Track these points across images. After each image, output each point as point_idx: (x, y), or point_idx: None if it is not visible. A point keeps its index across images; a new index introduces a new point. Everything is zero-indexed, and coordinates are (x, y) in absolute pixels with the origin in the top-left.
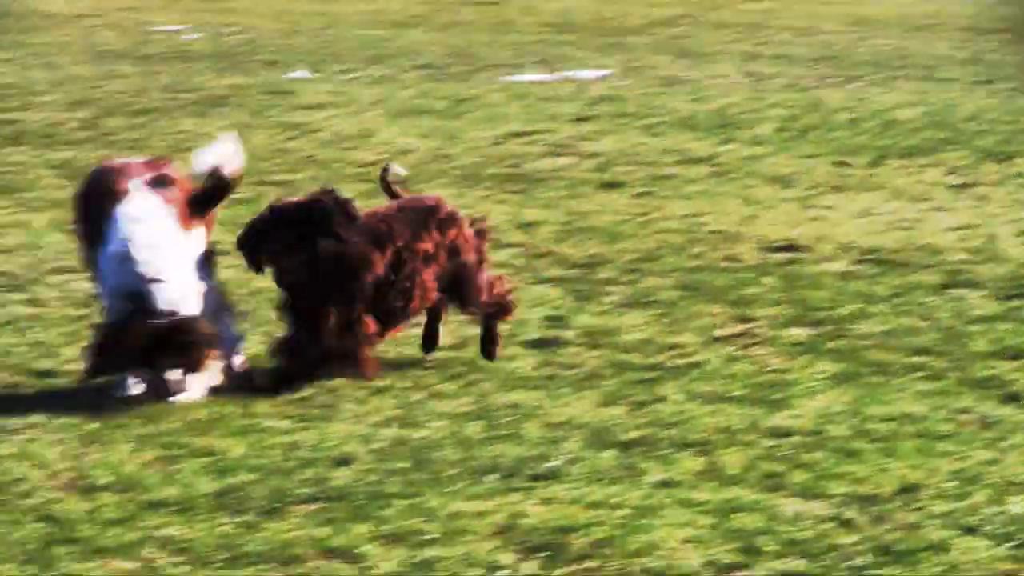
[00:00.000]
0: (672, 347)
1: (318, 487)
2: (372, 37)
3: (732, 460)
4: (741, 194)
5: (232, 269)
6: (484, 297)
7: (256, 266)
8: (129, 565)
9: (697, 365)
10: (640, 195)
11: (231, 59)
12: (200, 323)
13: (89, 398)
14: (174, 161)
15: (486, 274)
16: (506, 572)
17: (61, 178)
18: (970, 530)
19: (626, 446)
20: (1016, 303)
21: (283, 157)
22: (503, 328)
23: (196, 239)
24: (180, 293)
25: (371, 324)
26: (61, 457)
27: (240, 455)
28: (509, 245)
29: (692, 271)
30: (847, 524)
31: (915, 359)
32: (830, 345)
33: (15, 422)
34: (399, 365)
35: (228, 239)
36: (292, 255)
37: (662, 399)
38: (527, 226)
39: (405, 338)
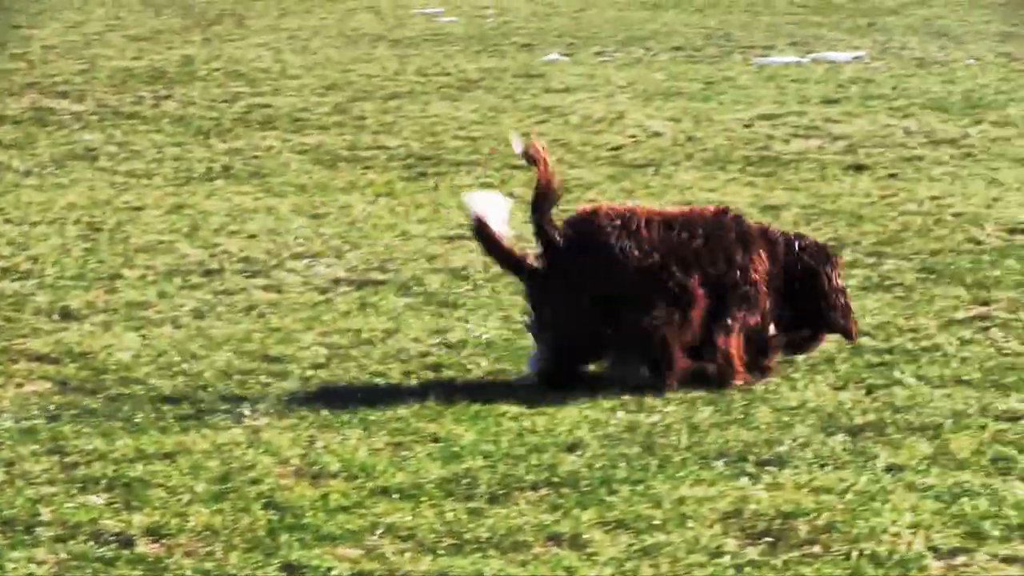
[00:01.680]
0: (909, 330)
1: (546, 473)
2: (627, 19)
3: (961, 444)
4: (987, 176)
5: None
6: None
7: None
8: (354, 552)
9: (933, 348)
10: (886, 177)
11: (486, 42)
12: None
13: (322, 385)
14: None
15: None
16: (729, 557)
17: (308, 163)
18: None
19: (856, 430)
20: None
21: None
22: None
23: None
24: None
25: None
26: (291, 444)
27: (470, 441)
28: None
29: (934, 254)
30: None
31: None
32: None
33: (247, 409)
34: None
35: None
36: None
37: (895, 383)
38: (772, 208)
39: None
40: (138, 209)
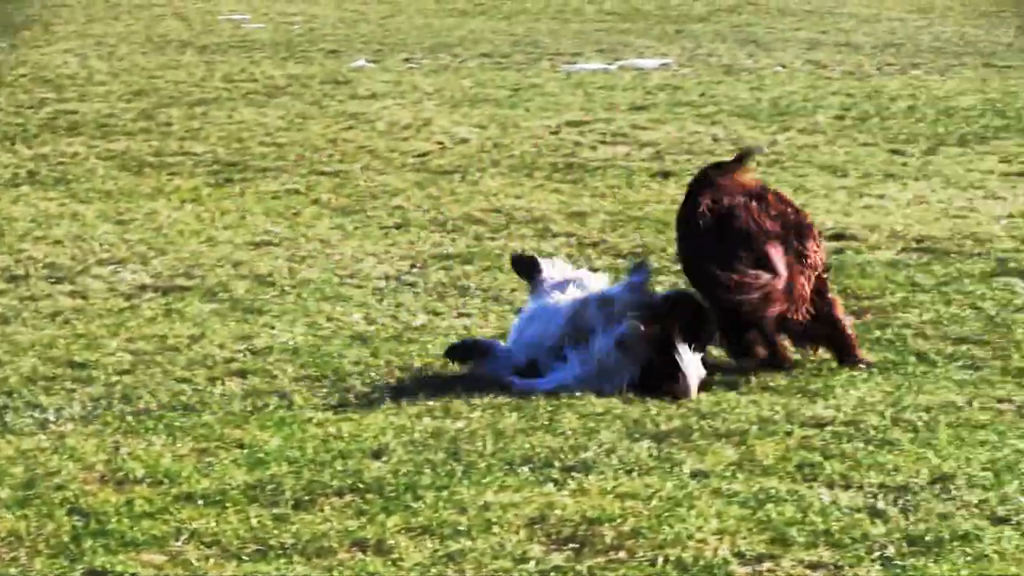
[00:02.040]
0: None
1: (352, 479)
2: (434, 26)
3: (767, 450)
4: (795, 183)
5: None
6: None
7: None
8: (159, 558)
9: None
10: None
11: (292, 48)
12: None
13: (127, 391)
14: None
15: None
16: (534, 563)
17: (114, 169)
18: (1001, 520)
19: (662, 437)
20: None
21: (339, 147)
22: None
23: None
24: None
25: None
26: (96, 450)
27: (275, 447)
28: (560, 234)
29: None
30: (878, 514)
31: (957, 348)
32: (874, 334)
33: (52, 415)
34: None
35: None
36: None
37: (701, 388)
38: (579, 215)
39: (441, 329)
40: None
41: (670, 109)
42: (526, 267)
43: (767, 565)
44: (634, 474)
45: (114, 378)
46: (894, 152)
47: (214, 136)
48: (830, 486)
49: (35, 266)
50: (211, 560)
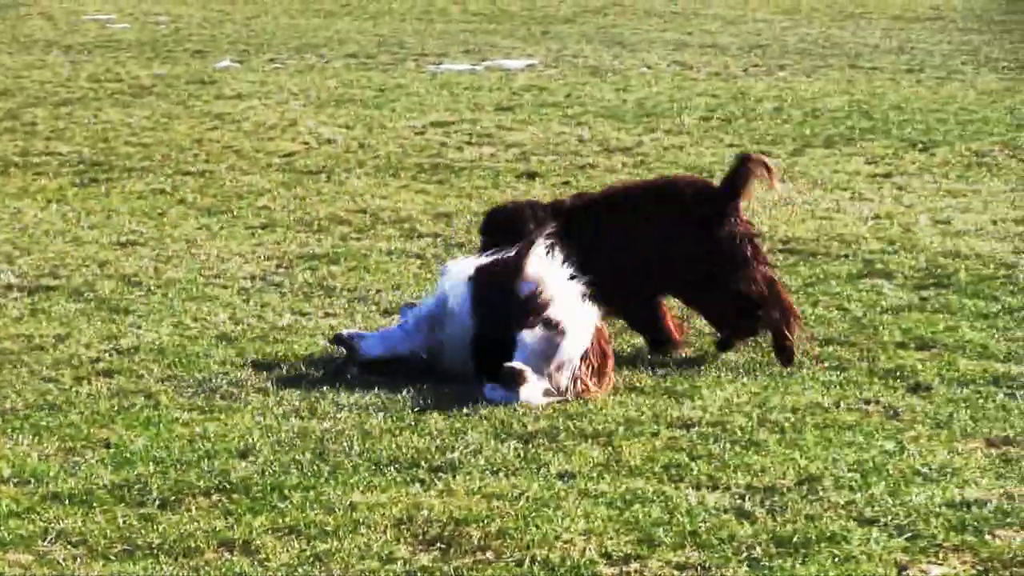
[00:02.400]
0: None
1: (218, 479)
2: (300, 26)
3: (634, 451)
4: None
5: None
6: None
7: None
8: (25, 557)
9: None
10: (559, 184)
11: (158, 48)
12: None
13: None
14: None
15: None
16: (401, 563)
17: None
18: (868, 521)
19: (528, 437)
20: (928, 293)
21: (205, 147)
22: None
23: None
24: None
25: None
26: None
27: (141, 447)
28: (426, 235)
29: None
30: (745, 515)
31: (823, 349)
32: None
33: None
34: (310, 355)
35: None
36: None
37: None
38: (445, 216)
39: (307, 329)
40: None
41: (536, 110)
42: None
43: (634, 566)
44: (501, 474)
45: None
46: (760, 153)
47: (79, 136)
48: (697, 487)
49: None
50: (78, 560)
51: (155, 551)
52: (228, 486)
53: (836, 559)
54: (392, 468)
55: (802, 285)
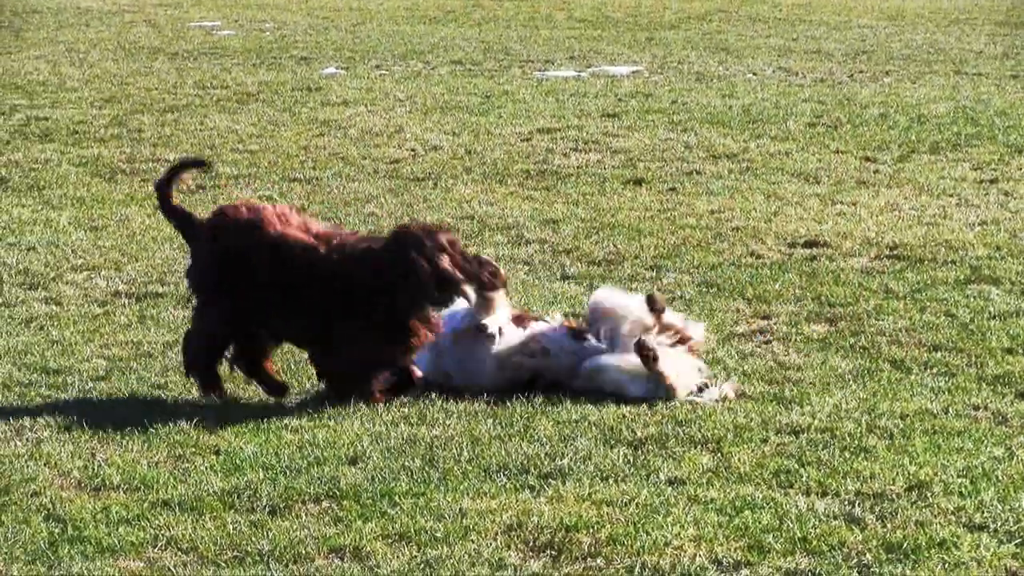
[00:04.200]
0: None
1: (328, 486)
2: (405, 33)
3: (743, 457)
4: (767, 190)
5: None
6: None
7: None
8: (136, 564)
9: (714, 362)
10: (665, 191)
11: (264, 55)
12: None
13: (102, 397)
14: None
15: None
16: (511, 570)
17: (87, 175)
18: (978, 528)
19: (638, 444)
20: None
21: (311, 154)
22: None
23: None
24: None
25: None
26: (72, 456)
27: (251, 453)
28: (533, 241)
29: (713, 267)
30: (855, 521)
31: (932, 355)
32: (848, 342)
33: (27, 421)
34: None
35: None
36: None
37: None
38: (552, 222)
39: None
40: None
41: (642, 116)
42: None
43: (744, 572)
44: (610, 481)
45: (89, 384)
46: (866, 159)
47: (186, 142)
48: (806, 493)
49: (9, 272)
50: (188, 567)
51: (265, 558)
52: (338, 492)
53: (946, 565)
54: (502, 474)
55: (909, 291)
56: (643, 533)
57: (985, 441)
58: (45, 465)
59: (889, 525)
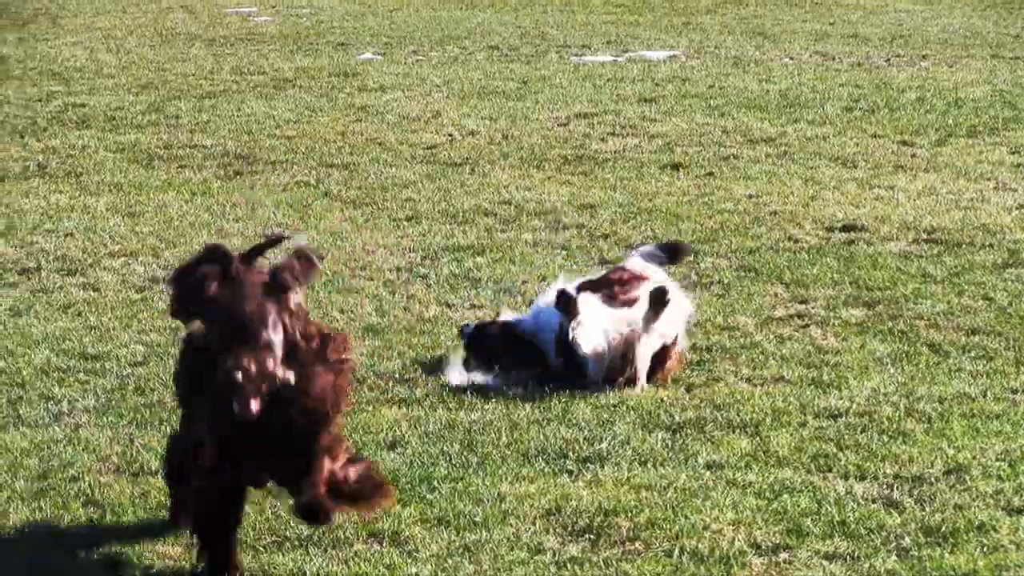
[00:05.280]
0: (728, 328)
1: None
2: (442, 18)
3: (781, 441)
4: (804, 175)
5: None
6: None
7: None
8: (175, 549)
9: (752, 346)
10: (703, 176)
11: (300, 41)
12: None
13: (141, 382)
14: None
15: None
16: (551, 554)
17: (124, 162)
18: (1016, 511)
19: (676, 428)
20: None
21: (349, 139)
22: None
23: None
24: None
25: None
26: (110, 441)
27: None
28: (571, 226)
29: (751, 252)
30: (894, 505)
31: (970, 339)
32: (886, 325)
33: (66, 407)
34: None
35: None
36: None
37: (715, 380)
38: (589, 207)
39: (454, 321)
40: None
41: (679, 101)
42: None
43: (783, 556)
44: (649, 465)
45: (127, 370)
46: (904, 143)
47: (223, 129)
48: (845, 477)
49: (46, 259)
50: None
51: (304, 543)
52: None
53: (985, 548)
54: (540, 459)
55: (947, 275)
56: (681, 517)
57: (1023, 424)
58: (84, 450)
59: (927, 509)
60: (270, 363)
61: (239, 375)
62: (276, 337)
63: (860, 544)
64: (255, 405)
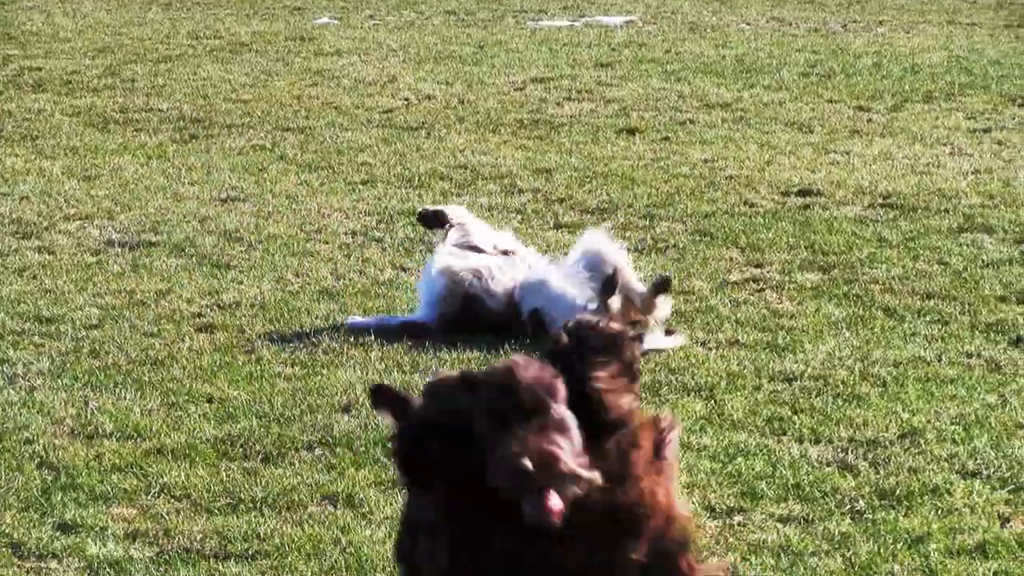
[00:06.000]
0: (683, 292)
1: (321, 433)
2: None
3: (736, 405)
4: (760, 139)
5: None
6: None
7: None
8: (129, 511)
9: (707, 310)
10: (659, 140)
11: (256, 5)
12: None
13: (95, 345)
14: None
15: None
16: None
17: (80, 125)
18: (971, 474)
19: None
20: None
21: (304, 103)
22: None
23: None
24: None
25: None
26: (65, 404)
27: (244, 402)
28: (526, 190)
29: (707, 216)
30: (848, 468)
31: (925, 303)
32: (841, 290)
33: (20, 369)
34: (412, 311)
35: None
36: None
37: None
38: (545, 171)
39: (409, 284)
40: None
41: (635, 66)
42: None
43: (738, 519)
44: None
45: (82, 332)
46: (860, 109)
47: (179, 92)
48: (800, 440)
49: (1, 222)
50: (181, 513)
51: (258, 505)
52: (331, 440)
53: (939, 511)
54: None
55: (902, 240)
56: None
57: (978, 388)
58: (38, 413)
59: (882, 472)
60: (567, 448)
61: (526, 462)
62: (570, 415)
63: (814, 507)
64: (557, 503)
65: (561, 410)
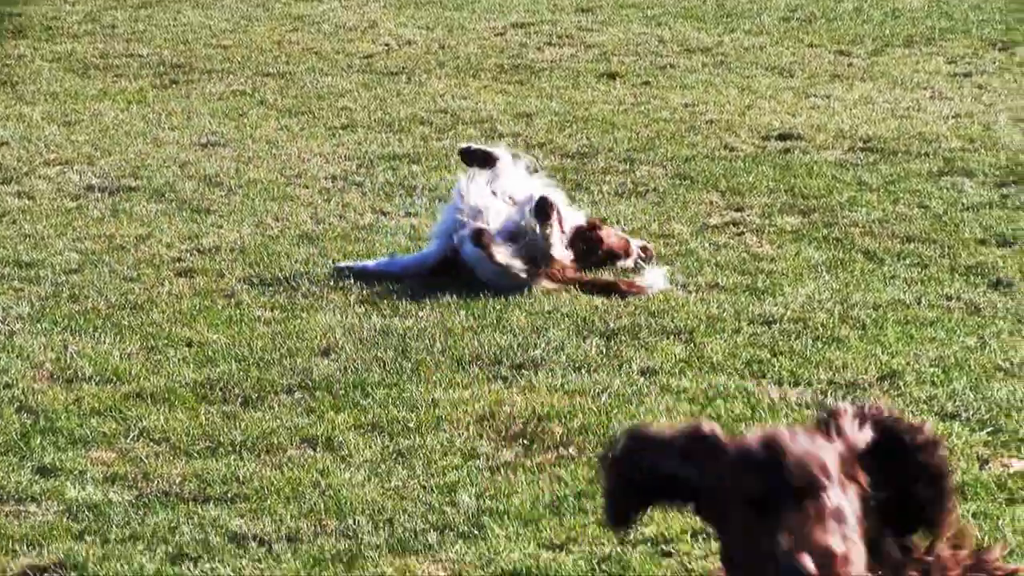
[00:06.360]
0: (663, 235)
1: (300, 377)
2: None
3: (715, 347)
4: (741, 84)
5: None
6: None
7: None
8: (108, 455)
9: (687, 253)
10: (640, 85)
11: None
12: None
13: (75, 290)
14: None
15: None
16: (484, 459)
17: (60, 71)
18: (950, 416)
19: (610, 335)
20: (1009, 191)
21: (285, 49)
22: None
23: None
24: None
25: None
26: (44, 348)
27: (223, 345)
28: (506, 135)
29: (687, 160)
30: None
31: (904, 246)
32: (821, 233)
33: (1, 314)
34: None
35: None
36: None
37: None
38: (525, 116)
39: (389, 229)
40: None
41: (616, 11)
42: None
43: None
44: (583, 371)
45: (62, 277)
46: (840, 53)
47: (159, 38)
48: (779, 382)
49: None
50: (160, 457)
51: (238, 448)
52: (310, 384)
53: None
54: (474, 365)
55: (883, 183)
56: (615, 422)
57: (957, 331)
58: (17, 357)
59: None
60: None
61: (808, 561)
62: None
63: None
64: None
65: (835, 493)
